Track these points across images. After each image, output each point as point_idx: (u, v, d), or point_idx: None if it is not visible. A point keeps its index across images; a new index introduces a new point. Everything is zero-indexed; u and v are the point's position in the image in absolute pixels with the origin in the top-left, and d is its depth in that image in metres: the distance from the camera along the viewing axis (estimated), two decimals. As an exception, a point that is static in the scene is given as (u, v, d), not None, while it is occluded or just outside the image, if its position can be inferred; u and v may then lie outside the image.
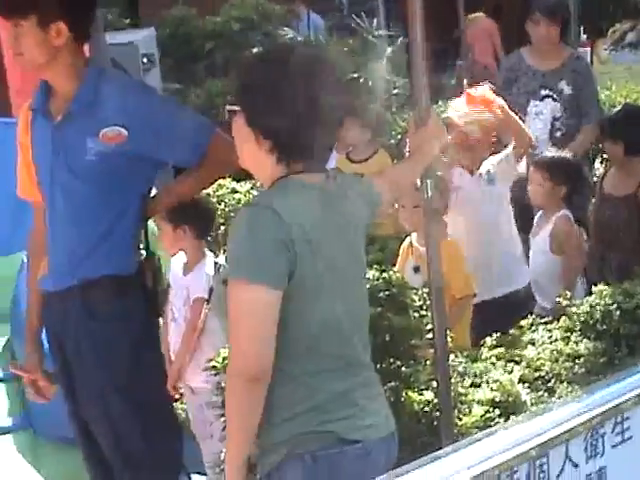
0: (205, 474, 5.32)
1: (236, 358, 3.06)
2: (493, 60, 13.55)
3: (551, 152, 6.48)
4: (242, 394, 3.02)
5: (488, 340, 4.97)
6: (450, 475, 1.47)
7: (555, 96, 7.40)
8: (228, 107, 3.20)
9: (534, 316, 5.28)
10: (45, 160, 4.05)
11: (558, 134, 7.25)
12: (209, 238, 5.82)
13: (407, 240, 5.69)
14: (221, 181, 7.15)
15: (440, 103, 8.73)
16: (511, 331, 5.03)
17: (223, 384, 4.79)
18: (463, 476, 1.47)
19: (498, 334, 4.99)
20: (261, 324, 2.98)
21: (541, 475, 1.53)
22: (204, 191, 5.40)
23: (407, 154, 3.79)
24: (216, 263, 5.37)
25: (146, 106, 4.02)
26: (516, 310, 5.61)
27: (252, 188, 7.65)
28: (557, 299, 5.33)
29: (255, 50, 6.44)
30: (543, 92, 7.45)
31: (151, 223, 4.62)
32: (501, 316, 5.51)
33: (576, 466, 1.58)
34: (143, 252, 4.21)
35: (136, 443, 4.07)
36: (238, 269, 3.02)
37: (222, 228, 6.89)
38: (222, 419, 4.91)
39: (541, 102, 7.42)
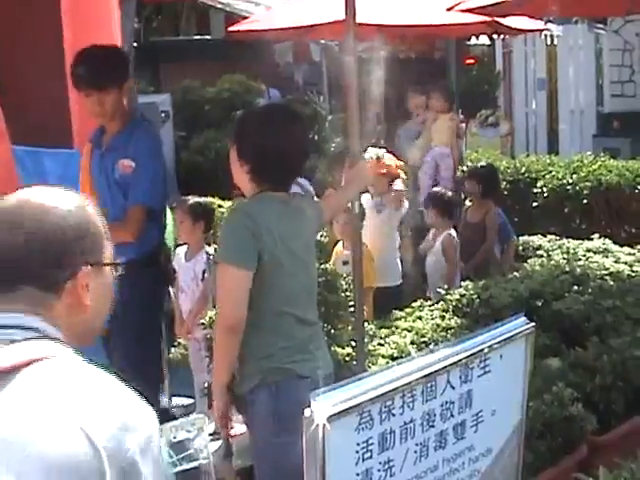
0: (194, 397, 5.31)
1: (222, 314, 3.09)
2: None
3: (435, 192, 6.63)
4: (225, 338, 3.05)
5: (390, 315, 5.02)
6: (368, 390, 1.48)
7: None
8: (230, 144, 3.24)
9: (422, 300, 5.33)
10: (95, 176, 4.12)
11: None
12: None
13: (339, 244, 5.74)
14: (210, 199, 7.08)
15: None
16: (406, 310, 5.08)
17: (209, 336, 4.81)
18: (378, 391, 1.49)
19: (397, 311, 5.05)
20: (238, 292, 3.00)
21: (431, 392, 1.57)
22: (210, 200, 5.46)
23: (343, 185, 3.81)
24: (207, 252, 5.33)
25: (144, 156, 4.03)
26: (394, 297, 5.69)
27: (232, 205, 7.62)
28: (438, 289, 5.40)
29: (244, 110, 6.40)
30: None
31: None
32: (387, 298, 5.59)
33: (453, 388, 1.62)
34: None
35: (133, 360, 4.06)
36: (224, 255, 3.07)
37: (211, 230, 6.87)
38: (207, 359, 4.93)
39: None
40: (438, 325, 4.72)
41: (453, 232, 6.32)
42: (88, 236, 1.61)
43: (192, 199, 5.38)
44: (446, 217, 6.35)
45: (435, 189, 6.82)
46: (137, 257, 3.98)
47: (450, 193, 6.60)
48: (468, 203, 7.38)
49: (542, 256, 6.18)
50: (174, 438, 1.33)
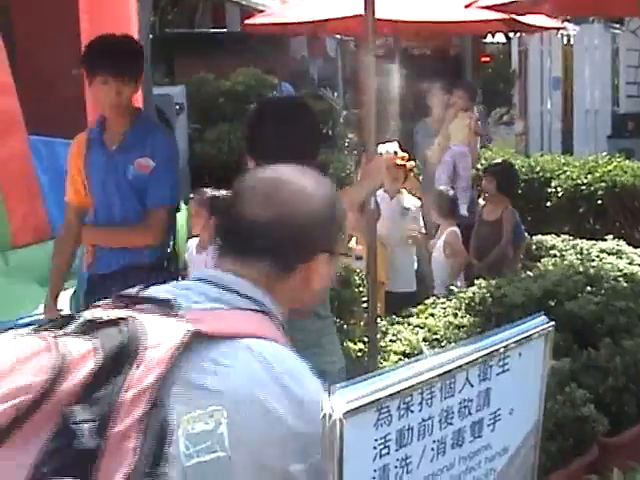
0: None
1: None
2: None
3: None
4: None
5: (402, 312, 5.02)
6: (387, 386, 1.47)
7: None
8: None
9: (434, 297, 5.33)
10: (99, 177, 3.82)
11: None
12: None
13: (352, 240, 5.73)
14: (223, 192, 7.04)
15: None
16: (418, 307, 5.07)
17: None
18: (397, 387, 1.48)
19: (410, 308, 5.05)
20: None
21: (450, 390, 1.57)
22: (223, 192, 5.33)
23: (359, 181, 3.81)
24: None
25: (164, 156, 3.81)
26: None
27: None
28: (450, 287, 5.40)
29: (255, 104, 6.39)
30: None
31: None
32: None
33: (472, 386, 1.62)
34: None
35: None
36: None
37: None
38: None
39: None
40: (450, 323, 4.72)
41: (456, 229, 6.35)
42: (332, 225, 1.66)
43: (210, 192, 5.35)
44: (449, 216, 6.41)
45: (441, 187, 6.84)
46: (152, 261, 3.80)
47: (452, 192, 6.65)
48: (481, 201, 7.37)
49: (555, 256, 6.15)
50: (192, 429, 1.32)
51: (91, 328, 1.42)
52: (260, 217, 1.59)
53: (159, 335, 1.39)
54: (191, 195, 5.24)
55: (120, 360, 1.36)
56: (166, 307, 1.47)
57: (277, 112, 3.21)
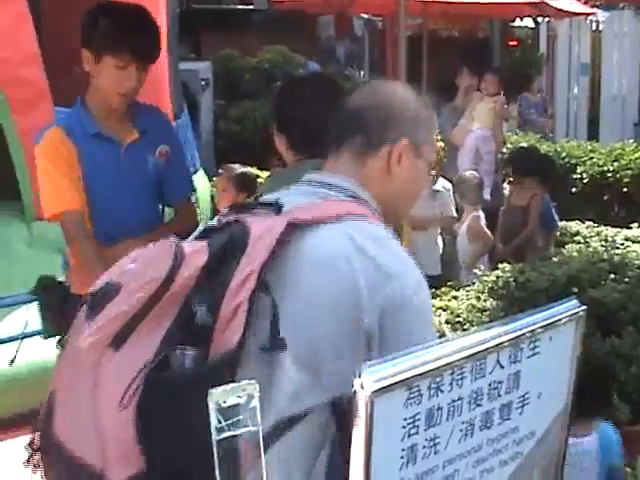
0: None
1: None
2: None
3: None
4: None
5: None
6: (418, 365, 1.46)
7: None
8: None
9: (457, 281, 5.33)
10: (111, 178, 3.21)
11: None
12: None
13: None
14: (249, 169, 7.03)
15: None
16: (442, 289, 5.06)
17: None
18: (428, 366, 1.47)
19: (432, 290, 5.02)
20: None
21: (480, 371, 1.55)
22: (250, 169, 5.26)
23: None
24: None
25: (176, 142, 3.51)
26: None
27: (270, 175, 7.61)
28: (475, 270, 5.39)
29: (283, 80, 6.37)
30: None
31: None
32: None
33: (502, 367, 1.61)
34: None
35: None
36: None
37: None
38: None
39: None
40: (473, 306, 4.70)
41: (480, 213, 6.32)
42: (417, 119, 1.86)
43: (238, 168, 5.32)
44: (474, 201, 6.38)
45: (466, 173, 6.81)
46: None
47: (477, 178, 6.60)
48: (506, 186, 7.33)
49: (580, 242, 6.12)
50: (224, 402, 1.32)
51: (207, 234, 1.68)
52: (357, 105, 1.88)
53: (262, 230, 1.61)
54: (220, 171, 5.21)
55: (228, 253, 1.59)
56: (272, 208, 1.70)
57: (307, 88, 3.18)
